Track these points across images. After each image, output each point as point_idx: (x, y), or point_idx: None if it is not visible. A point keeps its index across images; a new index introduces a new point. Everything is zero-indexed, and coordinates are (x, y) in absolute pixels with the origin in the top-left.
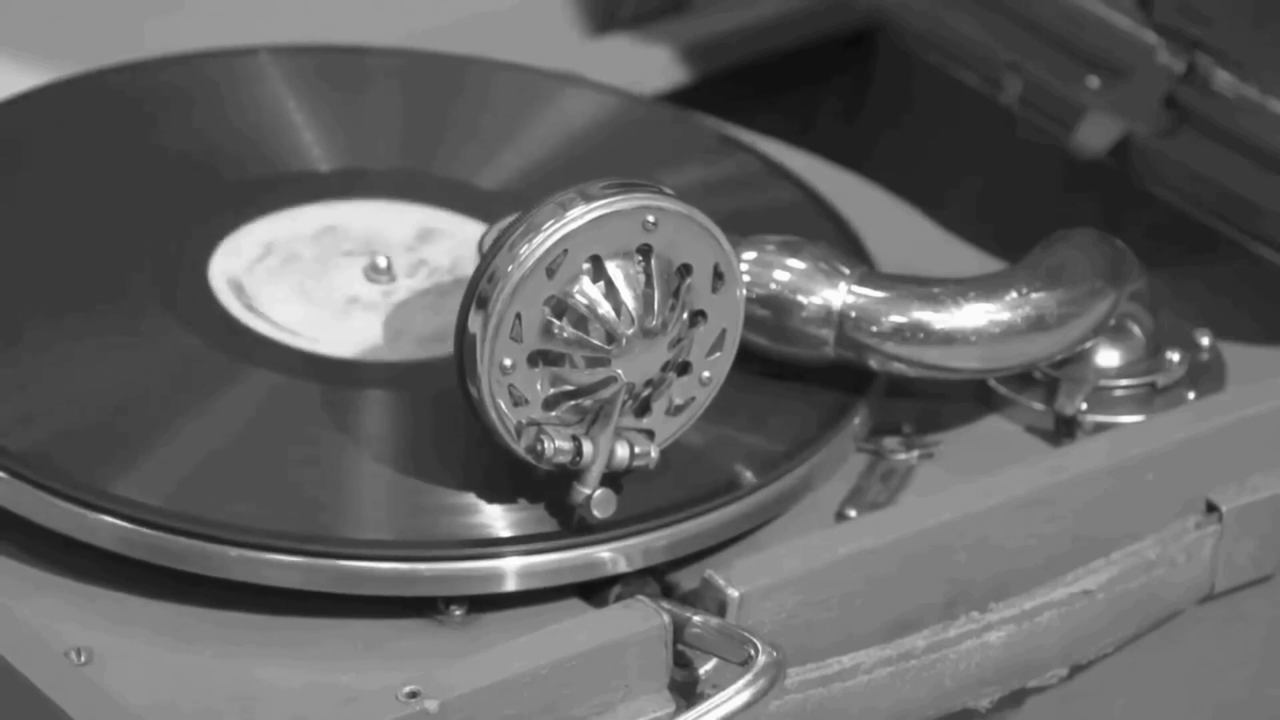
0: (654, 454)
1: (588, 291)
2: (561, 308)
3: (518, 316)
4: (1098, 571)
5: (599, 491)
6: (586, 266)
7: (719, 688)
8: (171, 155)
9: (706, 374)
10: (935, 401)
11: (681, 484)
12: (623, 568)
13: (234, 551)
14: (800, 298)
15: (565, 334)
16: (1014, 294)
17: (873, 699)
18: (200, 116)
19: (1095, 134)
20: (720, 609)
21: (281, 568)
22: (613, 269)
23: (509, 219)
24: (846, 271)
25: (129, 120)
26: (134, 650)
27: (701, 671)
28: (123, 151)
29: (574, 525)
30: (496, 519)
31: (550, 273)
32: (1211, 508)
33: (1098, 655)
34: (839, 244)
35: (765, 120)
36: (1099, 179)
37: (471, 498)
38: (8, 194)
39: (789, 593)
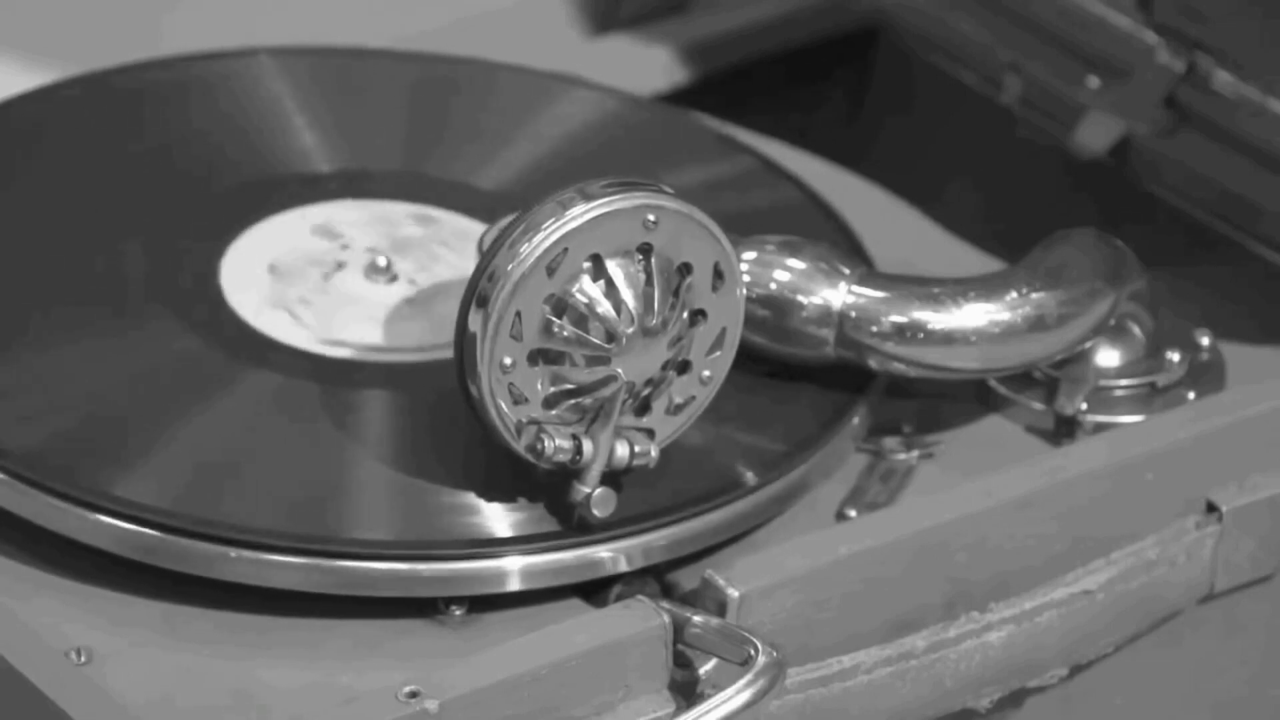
0: (654, 453)
1: (588, 290)
2: (562, 306)
3: (518, 315)
4: (1098, 571)
5: (599, 490)
6: (587, 265)
7: (719, 688)
8: (171, 156)
9: (706, 373)
10: (935, 401)
11: (681, 484)
12: (623, 568)
13: (234, 552)
14: (800, 298)
15: (565, 333)
16: (1014, 294)
17: (873, 699)
18: (200, 118)
19: (1095, 134)
20: (720, 609)
21: (281, 568)
22: (613, 268)
23: (509, 218)
24: (846, 271)
25: (129, 121)
26: (134, 650)
27: (701, 671)
28: (123, 152)
29: (574, 525)
30: (496, 519)
31: (550, 271)
32: (1211, 508)
33: (1098, 655)
34: (838, 244)
35: (765, 120)
36: (1099, 179)
37: (471, 498)
38: (8, 194)
39: (789, 593)
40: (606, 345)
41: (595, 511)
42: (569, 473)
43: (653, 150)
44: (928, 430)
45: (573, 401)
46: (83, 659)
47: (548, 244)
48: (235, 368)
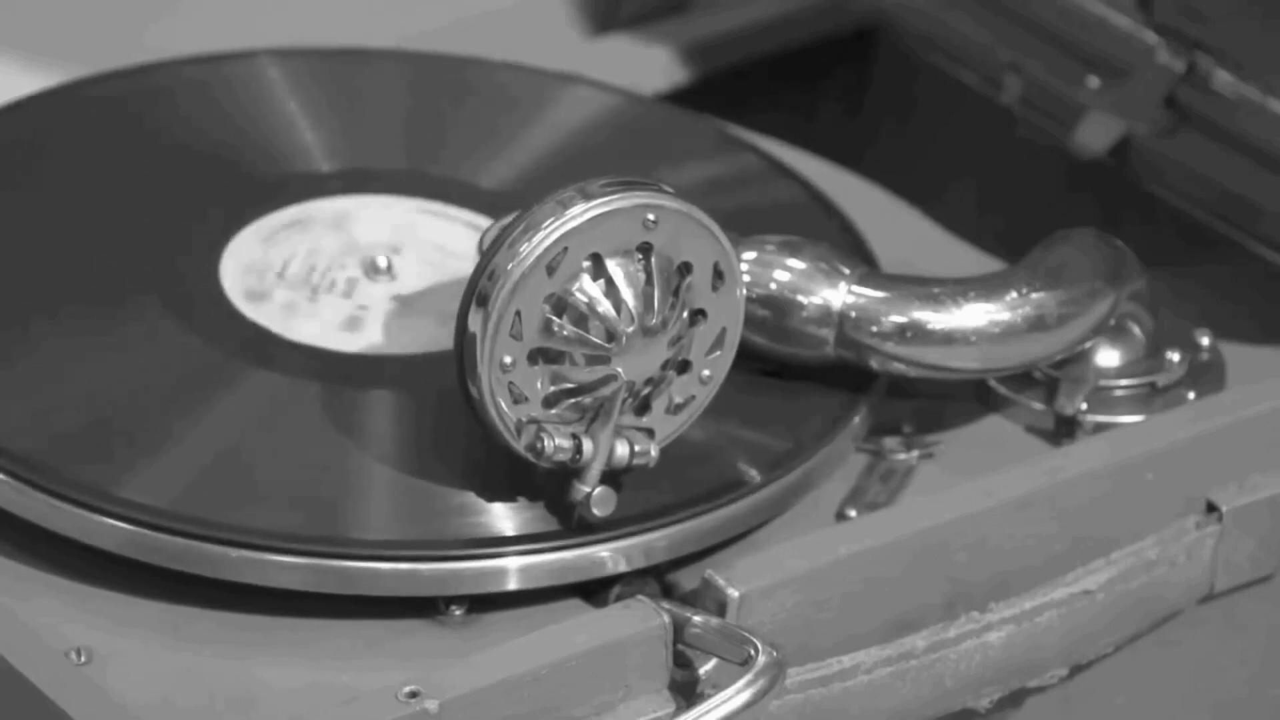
0: (654, 452)
1: (588, 289)
2: (561, 306)
3: (518, 314)
4: (1098, 571)
5: (599, 490)
6: (587, 264)
7: (719, 688)
8: (173, 158)
9: (706, 372)
10: (935, 401)
11: (682, 483)
12: (623, 568)
13: (234, 552)
14: (800, 298)
15: (565, 332)
16: (1014, 294)
17: (873, 699)
18: (201, 119)
19: (1095, 134)
20: (720, 609)
21: (281, 568)
22: (613, 267)
23: (509, 217)
24: (846, 271)
25: (131, 123)
26: (134, 650)
27: (701, 671)
28: (125, 154)
29: (574, 525)
30: (497, 519)
31: (550, 270)
32: (1211, 508)
33: (1098, 655)
34: (841, 243)
35: (765, 120)
36: (1099, 179)
37: (471, 497)
38: (13, 196)
39: (789, 593)
40: (606, 344)
41: (595, 511)
42: (569, 472)
43: (654, 148)
44: (928, 430)
45: (573, 401)
46: (83, 659)
47: (548, 243)
48: (235, 367)
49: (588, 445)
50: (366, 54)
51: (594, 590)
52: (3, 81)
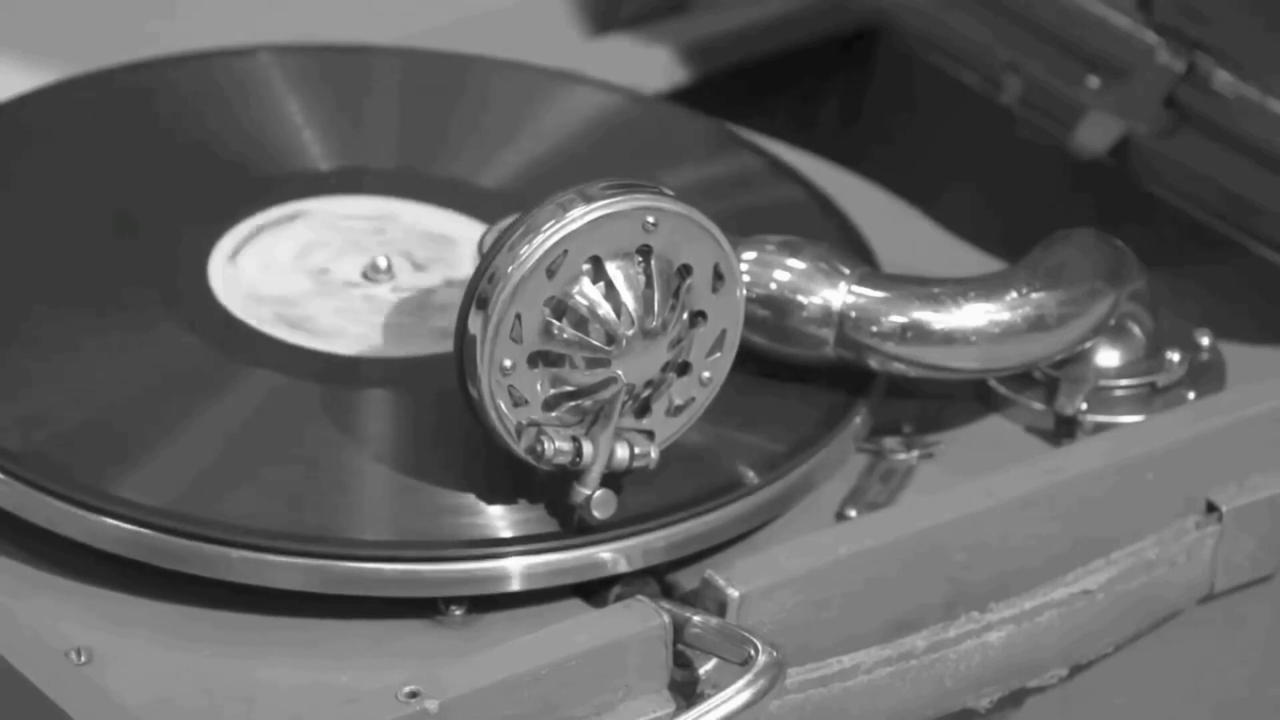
0: (654, 454)
1: (588, 292)
2: (561, 308)
3: (518, 317)
4: (1098, 571)
5: (599, 492)
6: (586, 267)
7: (719, 688)
8: (171, 155)
9: (706, 374)
10: (935, 401)
11: (681, 484)
12: (623, 568)
13: (234, 552)
14: (800, 298)
15: (565, 335)
16: (1014, 294)
17: (873, 699)
18: (200, 116)
19: (1095, 134)
20: (720, 609)
21: (281, 569)
22: (613, 270)
23: (509, 219)
24: (846, 271)
25: (129, 120)
26: (134, 650)
27: (701, 671)
28: (123, 151)
29: (574, 526)
30: (497, 519)
31: (550, 273)
32: (1211, 508)
33: (1098, 655)
34: (842, 243)
35: (765, 120)
36: (1099, 179)
37: (471, 498)
38: (9, 193)
39: (789, 593)
40: (606, 347)
41: (595, 513)
42: (569, 474)
43: (653, 149)
44: (928, 430)
45: (573, 403)
46: (83, 659)
47: (547, 246)
48: (235, 367)
49: (588, 448)
50: (366, 51)
51: (594, 590)
52: (3, 81)
